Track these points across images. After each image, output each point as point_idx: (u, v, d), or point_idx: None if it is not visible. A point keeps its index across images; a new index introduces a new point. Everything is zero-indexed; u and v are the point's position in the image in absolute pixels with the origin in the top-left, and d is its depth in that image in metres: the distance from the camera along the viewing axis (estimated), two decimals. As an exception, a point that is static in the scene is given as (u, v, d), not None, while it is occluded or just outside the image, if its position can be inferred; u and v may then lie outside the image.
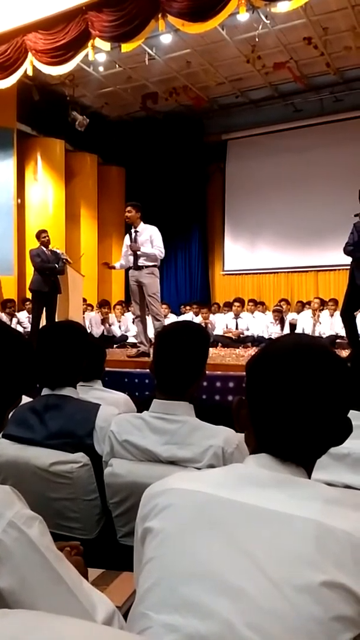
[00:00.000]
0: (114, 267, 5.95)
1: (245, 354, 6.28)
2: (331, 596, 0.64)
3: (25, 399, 1.87)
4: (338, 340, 7.23)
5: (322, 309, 8.15)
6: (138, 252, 5.24)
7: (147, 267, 5.25)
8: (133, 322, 9.01)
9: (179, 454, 1.44)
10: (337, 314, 8.34)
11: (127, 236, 5.46)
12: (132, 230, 5.37)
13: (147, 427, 1.50)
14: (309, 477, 0.81)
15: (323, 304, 8.25)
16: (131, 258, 5.32)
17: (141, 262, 5.26)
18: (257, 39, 7.82)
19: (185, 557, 0.72)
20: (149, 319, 5.52)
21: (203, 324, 8.68)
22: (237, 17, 6.38)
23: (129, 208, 5.41)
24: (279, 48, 8.35)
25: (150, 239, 5.28)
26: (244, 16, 6.48)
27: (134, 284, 5.35)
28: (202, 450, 1.42)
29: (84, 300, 8.86)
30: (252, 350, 6.60)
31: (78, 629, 0.59)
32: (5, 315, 7.95)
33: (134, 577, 0.85)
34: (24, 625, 0.57)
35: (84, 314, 8.57)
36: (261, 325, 8.49)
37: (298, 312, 8.95)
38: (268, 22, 7.44)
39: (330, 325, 7.87)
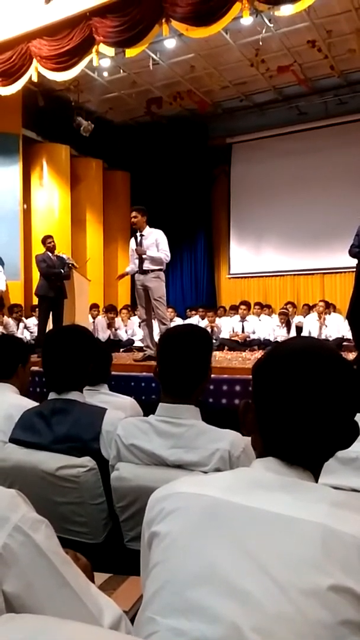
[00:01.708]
0: (127, 274, 5.93)
1: (251, 357, 6.27)
2: (338, 600, 0.64)
3: (32, 404, 1.88)
4: (345, 343, 7.20)
5: (328, 312, 8.13)
6: (144, 256, 5.25)
7: (152, 271, 5.26)
8: (139, 326, 9.04)
9: (185, 458, 1.44)
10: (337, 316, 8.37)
11: (133, 240, 5.47)
12: (138, 234, 5.38)
13: (154, 431, 1.50)
14: (316, 481, 0.80)
15: (328, 306, 8.23)
16: (137, 262, 5.33)
17: (147, 266, 5.27)
18: (260, 43, 7.83)
19: (192, 561, 0.72)
20: (155, 323, 5.53)
21: (209, 328, 8.68)
22: (241, 21, 6.40)
23: (134, 213, 5.42)
24: (282, 51, 8.36)
25: (156, 242, 5.29)
26: (247, 20, 6.50)
27: (139, 288, 5.36)
28: (208, 453, 1.42)
29: (96, 305, 8.89)
30: (259, 354, 6.58)
31: (85, 633, 0.59)
32: (12, 320, 7.98)
33: (141, 581, 0.85)
34: (30, 629, 0.57)
35: (94, 319, 8.60)
36: (267, 328, 8.48)
37: (304, 315, 8.93)
38: (272, 25, 7.44)
39: (337, 328, 7.84)
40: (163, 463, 1.47)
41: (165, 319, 5.35)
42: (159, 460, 1.48)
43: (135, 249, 5.32)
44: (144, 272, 5.28)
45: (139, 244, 5.31)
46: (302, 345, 0.84)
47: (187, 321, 9.31)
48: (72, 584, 0.75)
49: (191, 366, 1.50)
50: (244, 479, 0.79)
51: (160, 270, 5.31)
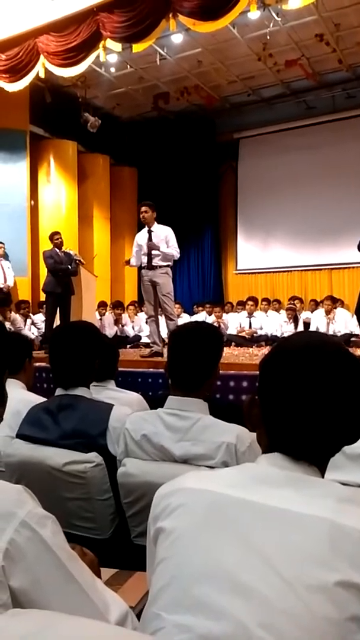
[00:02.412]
0: (130, 263, 5.92)
1: (258, 353, 6.26)
2: (346, 596, 0.64)
3: (40, 399, 1.89)
4: (353, 339, 7.17)
5: (336, 307, 8.09)
6: (153, 252, 5.23)
7: (161, 267, 5.25)
8: (146, 322, 9.05)
9: (192, 451, 1.45)
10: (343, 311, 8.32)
11: (139, 235, 5.44)
12: (147, 230, 5.36)
13: (162, 424, 1.52)
14: (322, 476, 0.80)
15: (335, 302, 8.19)
16: (144, 258, 5.31)
17: (155, 261, 5.26)
18: (268, 37, 7.78)
19: (198, 557, 0.71)
20: (162, 319, 5.53)
21: (216, 324, 8.67)
22: (248, 15, 6.35)
23: (145, 208, 5.38)
24: (290, 45, 8.30)
25: (166, 239, 5.28)
26: (254, 14, 6.45)
27: (147, 284, 5.35)
28: (215, 446, 1.43)
29: (104, 304, 8.91)
30: (266, 350, 6.57)
31: (91, 629, 0.59)
32: (19, 316, 8.01)
33: (147, 577, 0.85)
34: (36, 625, 0.57)
35: (102, 316, 8.61)
36: (275, 324, 8.45)
37: (312, 311, 8.89)
38: (279, 19, 7.39)
39: (345, 323, 7.81)
40: (170, 457, 1.49)
41: (172, 315, 5.35)
42: (166, 454, 1.49)
43: (148, 244, 5.29)
44: (153, 268, 5.26)
45: (150, 239, 5.29)
46: (308, 340, 0.84)
47: (194, 317, 9.32)
48: (79, 580, 0.75)
49: (199, 361, 1.53)
50: (249, 475, 0.79)
51: (168, 266, 5.30)
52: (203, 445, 1.45)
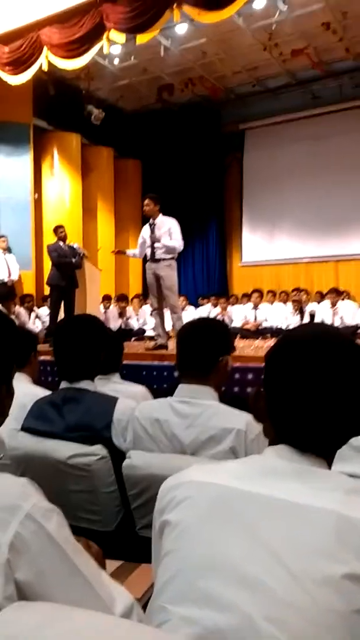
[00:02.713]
0: (124, 253, 5.95)
1: (264, 345, 6.25)
2: (353, 589, 0.63)
3: (45, 392, 1.89)
4: (359, 331, 7.14)
5: (342, 299, 8.06)
6: (156, 244, 5.22)
7: (165, 259, 5.24)
8: (150, 315, 9.06)
9: (201, 437, 1.47)
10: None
11: (145, 227, 5.43)
12: (151, 222, 5.35)
13: (172, 411, 1.54)
14: (329, 469, 0.80)
15: (340, 294, 8.15)
16: (149, 250, 5.30)
17: (159, 254, 5.25)
18: (274, 26, 7.71)
19: (204, 550, 0.71)
20: (166, 312, 5.52)
21: (221, 316, 8.67)
22: (253, 4, 6.31)
23: (147, 201, 5.38)
24: (296, 35, 8.22)
25: (169, 231, 5.26)
26: (260, 3, 6.40)
27: (151, 277, 5.34)
28: (224, 432, 1.45)
29: (109, 297, 8.92)
30: (271, 342, 6.54)
31: (96, 621, 0.59)
32: (23, 310, 8.03)
33: (152, 570, 0.85)
34: (42, 617, 0.57)
35: (106, 309, 8.62)
36: (280, 316, 8.44)
37: (318, 303, 8.86)
38: (285, 8, 7.31)
39: (351, 315, 7.78)
40: (179, 444, 1.50)
41: (176, 307, 5.34)
42: (175, 441, 1.51)
43: (150, 237, 5.28)
44: (156, 261, 5.25)
45: (152, 232, 5.28)
46: (314, 332, 0.84)
47: (199, 309, 9.31)
48: (84, 572, 0.75)
49: (204, 349, 1.57)
50: (255, 467, 0.79)
51: (172, 259, 5.28)
52: (212, 431, 1.47)
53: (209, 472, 0.81)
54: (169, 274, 5.24)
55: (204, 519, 0.74)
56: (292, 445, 0.78)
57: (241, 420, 1.46)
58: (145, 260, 5.47)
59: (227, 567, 0.68)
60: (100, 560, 0.99)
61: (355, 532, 0.66)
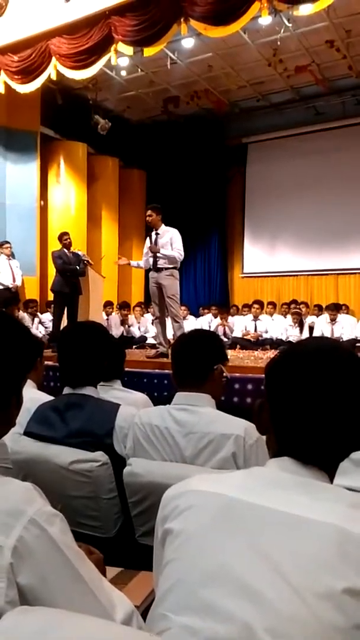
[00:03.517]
0: (128, 263, 5.97)
1: (263, 356, 6.25)
2: (353, 604, 0.63)
3: (49, 398, 1.90)
4: (358, 344, 7.14)
5: (340, 313, 8.07)
6: (158, 254, 5.26)
7: (166, 269, 5.27)
8: (152, 323, 9.06)
9: (200, 444, 1.48)
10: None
11: (148, 238, 5.48)
12: (153, 233, 5.39)
13: (171, 418, 1.55)
14: (331, 482, 0.80)
15: (339, 308, 8.17)
16: (151, 260, 5.34)
17: (161, 264, 5.28)
18: (278, 43, 7.78)
19: (206, 560, 0.71)
20: (168, 321, 5.54)
21: (221, 327, 8.68)
22: (259, 20, 6.35)
23: (149, 212, 5.43)
24: (300, 51, 8.31)
25: (171, 241, 5.30)
26: (266, 20, 6.45)
27: (153, 286, 5.38)
28: (222, 438, 1.46)
29: (110, 303, 8.93)
30: (271, 353, 6.55)
31: (97, 627, 0.60)
32: (27, 315, 8.04)
33: (154, 578, 0.85)
34: (44, 622, 0.58)
35: (108, 316, 8.64)
36: (280, 327, 8.45)
37: (317, 316, 8.87)
38: (290, 25, 7.39)
39: (350, 328, 7.79)
40: (178, 451, 1.51)
41: (178, 316, 5.36)
42: (175, 448, 1.51)
43: (149, 247, 5.34)
44: (158, 270, 5.29)
45: (154, 243, 5.33)
46: (318, 345, 0.84)
47: (200, 319, 9.33)
48: (86, 578, 0.76)
49: (198, 358, 1.60)
50: (258, 478, 0.79)
51: (174, 268, 5.32)
52: (211, 437, 1.47)
53: (212, 482, 0.81)
54: (171, 283, 5.27)
55: (206, 529, 0.74)
56: (295, 458, 0.78)
57: (240, 426, 1.48)
58: (148, 269, 5.50)
59: (228, 577, 0.68)
60: (101, 566, 0.99)
61: (356, 546, 0.66)
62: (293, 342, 0.88)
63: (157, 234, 5.36)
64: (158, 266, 5.28)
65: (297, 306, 8.90)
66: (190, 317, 9.18)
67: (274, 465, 0.79)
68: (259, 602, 0.65)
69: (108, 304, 8.79)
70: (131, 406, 1.79)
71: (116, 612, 0.78)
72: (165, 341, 5.49)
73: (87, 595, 0.75)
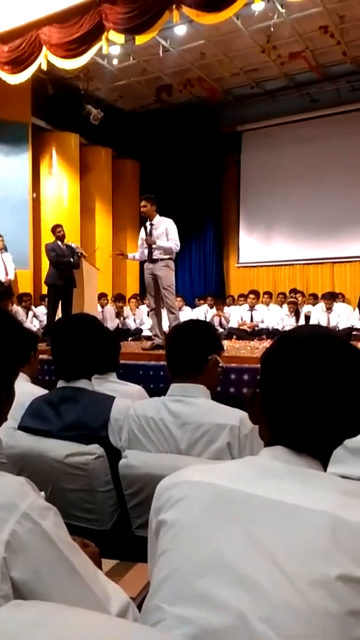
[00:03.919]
0: (125, 256, 5.96)
1: (260, 346, 6.26)
2: (347, 590, 0.63)
3: (43, 392, 1.89)
4: (354, 333, 7.16)
5: (336, 302, 8.09)
6: (153, 246, 5.24)
7: (162, 260, 5.25)
8: (148, 315, 9.05)
9: (195, 434, 1.49)
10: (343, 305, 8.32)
11: (143, 229, 5.45)
12: (148, 224, 5.36)
13: (166, 410, 1.55)
14: (325, 470, 0.80)
15: (335, 297, 8.18)
16: (146, 251, 5.32)
17: (156, 255, 5.26)
18: (272, 29, 7.72)
19: (199, 550, 0.71)
20: (163, 312, 5.53)
21: (217, 317, 8.68)
22: (252, 6, 6.28)
23: (144, 202, 5.39)
24: (294, 37, 8.24)
25: (166, 232, 5.27)
26: (259, 5, 6.37)
27: (149, 277, 5.36)
28: (218, 429, 1.46)
29: (105, 294, 8.92)
30: (267, 343, 6.56)
31: (92, 620, 0.59)
32: (21, 309, 8.02)
33: (148, 569, 0.85)
34: (38, 616, 0.57)
35: (103, 308, 8.62)
36: (276, 317, 8.46)
37: (313, 304, 8.89)
38: (283, 11, 7.33)
39: (346, 317, 7.80)
40: (174, 442, 1.51)
41: (174, 308, 5.35)
42: (170, 439, 1.52)
43: (145, 239, 5.31)
44: (154, 261, 5.27)
45: (149, 234, 5.30)
46: (311, 333, 0.84)
47: (196, 310, 9.32)
48: (80, 572, 0.76)
49: (191, 348, 1.60)
50: (252, 468, 0.79)
51: (169, 259, 5.30)
52: (206, 427, 1.48)
53: (205, 472, 0.81)
54: (167, 274, 5.26)
55: (200, 519, 0.74)
56: (288, 447, 0.78)
57: (235, 416, 1.48)
58: (143, 260, 5.49)
59: (222, 567, 0.68)
60: (97, 559, 0.99)
61: (350, 534, 0.66)
62: (286, 331, 0.88)
63: (151, 224, 5.33)
64: (153, 257, 5.26)
65: (294, 295, 8.91)
66: (186, 308, 9.17)
67: (267, 455, 0.79)
68: (253, 590, 0.65)
69: (102, 296, 8.77)
70: (127, 398, 1.79)
71: (111, 605, 0.78)
72: (161, 333, 5.49)
73: (82, 588, 0.75)
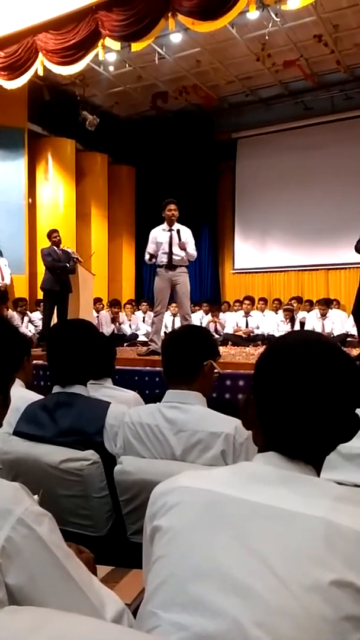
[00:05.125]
0: (151, 258, 5.46)
1: (255, 352, 6.26)
2: (341, 595, 0.64)
3: (38, 397, 1.89)
4: (349, 339, 7.18)
5: (331, 308, 8.12)
6: (174, 252, 5.18)
7: (181, 266, 5.29)
8: (143, 321, 9.05)
9: (191, 441, 1.48)
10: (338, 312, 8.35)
11: (158, 232, 5.31)
12: (174, 229, 5.24)
13: (161, 416, 1.55)
14: (318, 475, 0.80)
15: (329, 304, 8.21)
16: (164, 257, 5.23)
17: (176, 261, 5.23)
18: (267, 37, 7.78)
19: (194, 556, 0.72)
20: (168, 317, 5.52)
21: (212, 323, 8.68)
22: (247, 15, 6.34)
23: (174, 206, 5.28)
24: (289, 46, 8.31)
25: (188, 239, 5.29)
26: (254, 14, 6.44)
27: (165, 282, 5.28)
28: (213, 436, 1.46)
29: (100, 299, 8.91)
30: (262, 349, 6.56)
31: (87, 626, 0.59)
32: (16, 314, 8.00)
33: (143, 575, 0.85)
34: (33, 622, 0.57)
35: (98, 313, 8.61)
36: (271, 323, 8.47)
37: (308, 311, 8.91)
38: (278, 20, 7.39)
39: (341, 323, 7.83)
40: (169, 449, 1.51)
41: (189, 314, 5.41)
42: (165, 446, 1.51)
43: (179, 244, 5.18)
44: (173, 268, 5.24)
45: (178, 239, 5.19)
46: (303, 339, 0.84)
47: (191, 316, 9.30)
48: (75, 577, 0.75)
49: (187, 355, 1.60)
50: (246, 474, 0.79)
51: (186, 266, 5.32)
52: (201, 435, 1.48)
53: (199, 478, 0.81)
54: (186, 281, 5.32)
55: (194, 525, 0.74)
56: (281, 453, 0.78)
57: (230, 424, 1.48)
58: (156, 265, 5.37)
59: (217, 573, 0.68)
60: (92, 565, 0.99)
61: (344, 539, 0.67)
62: (278, 337, 0.88)
63: (178, 230, 5.23)
64: (174, 264, 5.23)
65: (291, 302, 8.93)
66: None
67: (261, 460, 0.79)
68: (247, 596, 0.65)
69: (98, 301, 8.76)
70: (122, 404, 1.79)
71: (106, 611, 0.78)
72: (158, 339, 5.49)
73: (77, 594, 0.75)
